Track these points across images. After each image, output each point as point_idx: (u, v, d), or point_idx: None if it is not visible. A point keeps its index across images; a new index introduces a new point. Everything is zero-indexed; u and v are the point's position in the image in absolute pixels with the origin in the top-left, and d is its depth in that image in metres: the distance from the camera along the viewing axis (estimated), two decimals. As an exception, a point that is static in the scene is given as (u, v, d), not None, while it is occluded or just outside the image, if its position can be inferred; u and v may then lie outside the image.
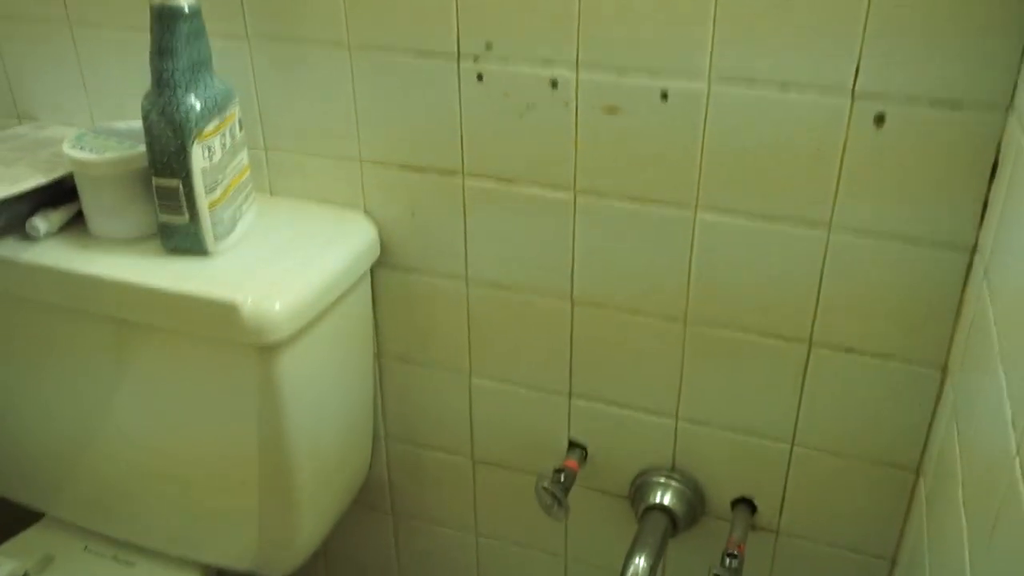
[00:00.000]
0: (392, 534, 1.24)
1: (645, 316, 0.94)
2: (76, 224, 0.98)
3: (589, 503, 1.08)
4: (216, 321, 0.87)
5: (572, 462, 1.03)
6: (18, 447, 1.09)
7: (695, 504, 1.01)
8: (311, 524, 1.02)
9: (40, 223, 0.96)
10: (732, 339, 0.92)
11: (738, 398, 0.94)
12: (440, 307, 1.04)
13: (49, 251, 0.95)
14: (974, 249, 0.79)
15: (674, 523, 1.00)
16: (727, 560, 0.92)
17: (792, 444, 0.95)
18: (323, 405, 0.98)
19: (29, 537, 1.12)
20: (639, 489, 1.03)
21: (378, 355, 1.09)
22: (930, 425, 0.88)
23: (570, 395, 1.02)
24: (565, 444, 1.06)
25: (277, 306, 0.86)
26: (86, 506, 1.09)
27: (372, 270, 1.03)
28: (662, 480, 1.02)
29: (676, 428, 0.99)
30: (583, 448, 1.05)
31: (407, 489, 1.19)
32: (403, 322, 1.06)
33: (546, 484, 0.99)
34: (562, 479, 1.00)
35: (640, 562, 0.93)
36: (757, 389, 0.93)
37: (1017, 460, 0.52)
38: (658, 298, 0.93)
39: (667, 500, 1.01)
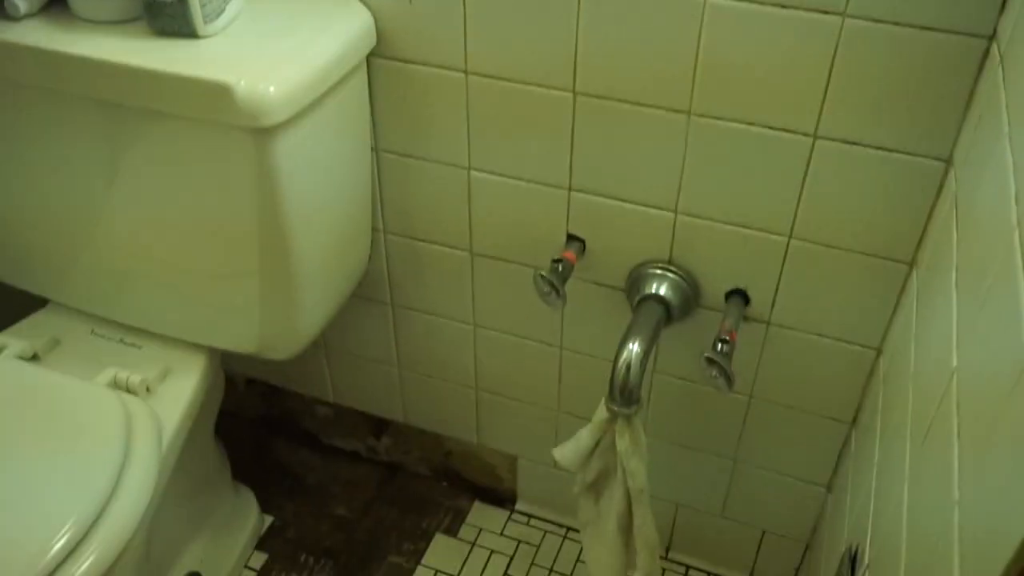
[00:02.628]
0: (391, 325, 1.27)
1: (649, 107, 0.92)
2: (58, 5, 0.94)
3: (586, 295, 1.10)
4: (209, 103, 0.85)
5: (570, 254, 1.04)
6: (19, 234, 1.09)
7: (690, 295, 1.03)
8: (311, 311, 1.04)
9: (19, 0, 0.91)
10: (736, 131, 0.90)
11: (739, 192, 0.94)
12: (438, 99, 1.01)
13: (31, 31, 0.91)
14: (992, 37, 0.77)
15: (668, 313, 1.03)
16: (719, 345, 0.95)
17: (790, 237, 0.96)
18: (320, 194, 0.98)
19: (35, 321, 1.14)
20: (635, 281, 1.05)
21: (376, 148, 1.08)
22: (929, 216, 0.88)
23: (570, 188, 1.02)
24: (563, 238, 1.06)
25: (272, 88, 0.84)
26: (89, 292, 1.11)
27: (369, 61, 1.00)
28: (658, 272, 1.04)
29: (675, 221, 0.99)
30: (581, 241, 1.06)
31: (406, 282, 1.21)
32: (401, 115, 1.04)
33: (544, 273, 1.01)
34: (560, 269, 1.02)
35: (634, 347, 0.96)
36: (758, 182, 0.93)
37: (1017, 232, 0.52)
38: (663, 88, 0.90)
39: (663, 291, 1.03)
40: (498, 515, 1.42)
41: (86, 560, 0.84)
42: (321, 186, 0.98)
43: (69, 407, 0.98)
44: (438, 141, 1.04)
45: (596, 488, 1.08)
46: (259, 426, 1.55)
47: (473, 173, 1.05)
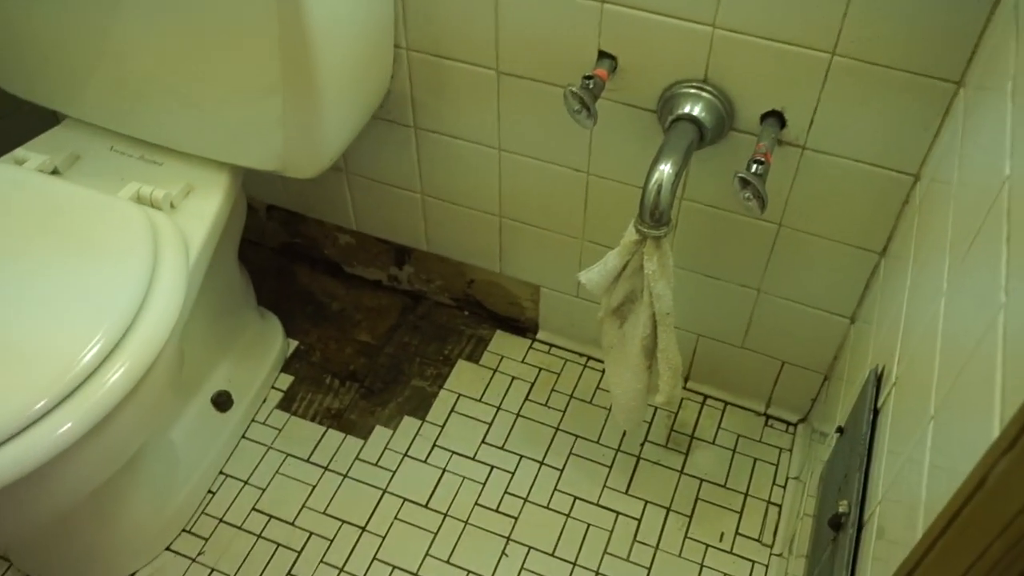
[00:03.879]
0: (414, 149, 1.24)
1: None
2: None
3: (615, 117, 1.06)
4: None
5: (601, 71, 1.00)
6: (33, 45, 1.05)
7: (724, 117, 1.00)
8: (335, 127, 1.01)
9: None
10: (785, -67, 0.84)
11: (781, 4, 0.89)
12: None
13: None
14: None
15: (701, 134, 1.00)
16: (754, 166, 0.93)
17: (833, 54, 0.91)
18: (343, 2, 0.93)
19: (53, 137, 1.12)
20: (668, 101, 1.02)
21: (398, -47, 1.02)
22: (983, 30, 0.83)
23: (602, 0, 0.97)
24: (594, 55, 1.02)
25: None
26: (106, 106, 1.08)
27: None
28: (692, 91, 1.00)
29: (712, 36, 0.95)
30: (613, 58, 1.01)
31: (429, 102, 1.17)
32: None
33: (575, 89, 0.97)
34: (591, 86, 0.98)
35: (666, 168, 0.93)
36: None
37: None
38: None
39: (696, 111, 0.99)
40: (520, 343, 1.44)
41: (119, 369, 0.86)
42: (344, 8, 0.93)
43: (94, 220, 0.97)
44: (465, -52, 0.99)
45: (621, 312, 1.08)
46: (281, 254, 1.55)
47: (502, -16, 1.00)
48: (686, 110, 1.00)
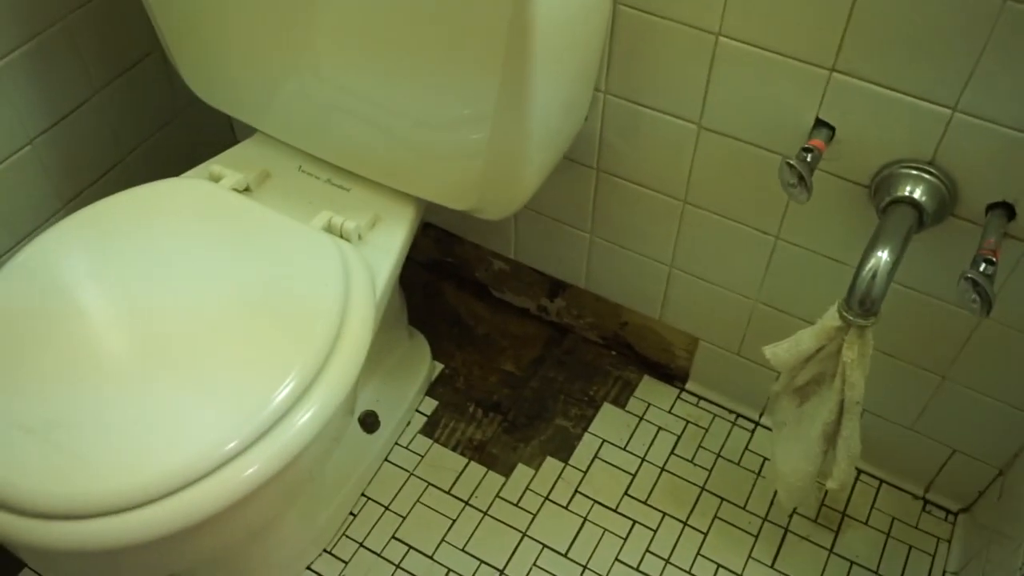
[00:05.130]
0: (592, 190, 1.21)
1: (952, -15, 0.80)
2: None
3: (821, 185, 1.01)
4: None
5: (819, 142, 0.95)
6: (235, 58, 1.05)
7: (946, 203, 0.94)
8: (536, 168, 0.98)
9: None
10: (1058, 24, 0.78)
11: (1040, 94, 0.82)
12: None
13: None
14: None
15: (920, 219, 0.94)
16: (983, 265, 0.86)
17: (1088, 153, 0.84)
18: (567, 38, 0.90)
19: (244, 152, 1.13)
20: (885, 179, 0.96)
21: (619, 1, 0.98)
22: None
23: (832, 69, 0.91)
24: (809, 124, 0.97)
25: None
26: (300, 124, 1.07)
27: None
28: (914, 172, 0.94)
29: (951, 119, 0.88)
30: (831, 128, 0.96)
31: (617, 147, 1.13)
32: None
33: (792, 161, 0.92)
34: (808, 159, 0.93)
35: (884, 255, 0.88)
36: (1068, 86, 0.81)
37: None
38: (980, -36, 0.78)
39: (918, 194, 0.93)
40: (667, 392, 1.40)
41: (308, 411, 0.85)
42: (569, 29, 0.89)
43: (288, 248, 0.97)
44: (688, 2, 0.94)
45: (803, 392, 1.03)
46: (429, 269, 1.54)
47: (722, 40, 0.95)
48: (907, 192, 0.94)
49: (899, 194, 0.94)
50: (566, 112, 1.00)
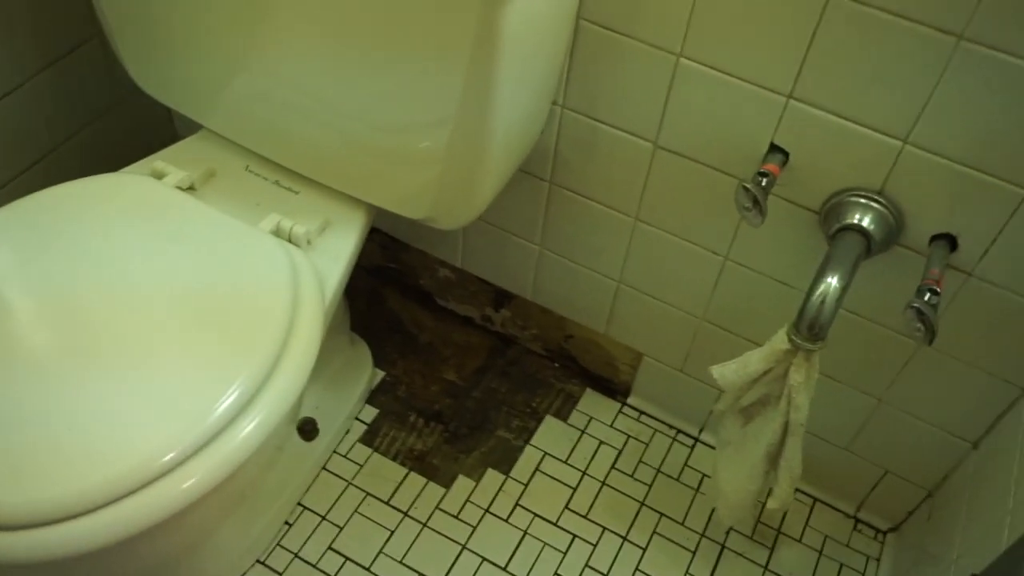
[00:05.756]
0: (543, 203, 1.20)
1: (913, 22, 0.81)
2: None
3: (772, 209, 1.02)
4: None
5: (774, 167, 0.96)
6: (180, 49, 1.01)
7: (893, 232, 0.96)
8: (493, 178, 0.96)
9: None
10: (1010, 64, 0.80)
11: (994, 130, 0.84)
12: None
13: None
14: None
15: (868, 248, 0.95)
16: (927, 295, 0.88)
17: (1030, 190, 0.87)
18: (526, 64, 0.89)
19: (189, 148, 1.09)
20: (835, 207, 0.97)
21: (579, 14, 0.98)
22: None
23: (790, 96, 0.92)
24: (764, 148, 0.98)
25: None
26: (249, 124, 1.04)
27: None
28: (862, 201, 0.96)
29: (901, 151, 0.90)
30: (785, 154, 0.97)
31: (572, 161, 1.13)
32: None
33: (748, 185, 0.93)
34: (763, 183, 0.94)
35: (833, 281, 0.89)
36: (1015, 128, 0.83)
37: None
38: None
39: (866, 222, 0.95)
40: (609, 406, 1.40)
41: (251, 422, 0.82)
42: (528, 57, 0.89)
43: (235, 252, 0.94)
44: (653, 18, 0.94)
45: (748, 412, 1.04)
46: (372, 274, 1.52)
47: (683, 61, 0.96)
48: (855, 220, 0.95)
49: (848, 221, 0.96)
50: (526, 123, 1.00)
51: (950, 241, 0.95)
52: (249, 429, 0.82)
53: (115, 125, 1.33)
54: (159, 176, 1.02)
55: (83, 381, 0.82)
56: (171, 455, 0.78)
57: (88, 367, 0.83)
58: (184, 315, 0.87)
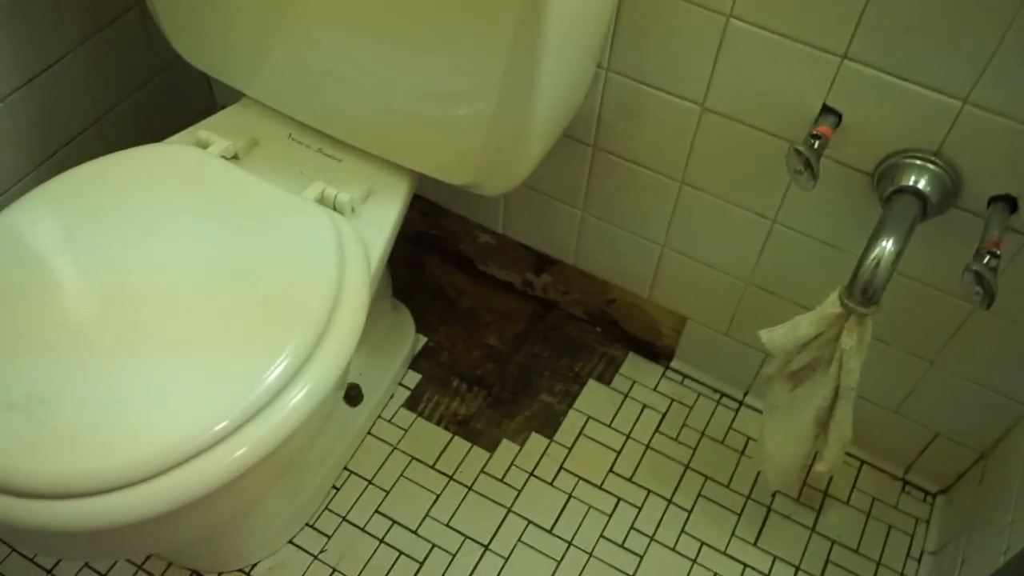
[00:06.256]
0: (587, 167, 1.19)
1: (972, -26, 0.79)
2: None
3: (823, 171, 1.00)
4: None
5: (826, 128, 0.94)
6: (222, 17, 1.01)
7: (950, 194, 0.93)
8: (538, 142, 0.94)
9: None
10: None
11: (1054, 89, 0.82)
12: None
13: None
14: None
15: (924, 210, 0.93)
16: (987, 258, 0.86)
17: (1096, 149, 0.84)
18: (572, 28, 0.87)
19: (231, 117, 1.08)
20: (889, 168, 0.95)
21: (624, -27, 0.96)
22: None
23: (844, 56, 0.90)
24: (815, 110, 0.95)
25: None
26: (292, 91, 1.03)
27: None
28: (918, 162, 0.93)
29: (960, 112, 0.87)
30: (838, 115, 0.94)
31: (616, 125, 1.11)
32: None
33: (800, 148, 0.91)
34: (815, 145, 0.92)
35: (888, 244, 0.87)
36: (1082, 82, 0.80)
37: None
38: (1003, -45, 0.76)
39: (922, 184, 0.93)
40: (652, 369, 1.40)
41: (301, 391, 0.82)
42: (579, 7, 0.87)
43: (281, 221, 0.94)
44: (697, -23, 0.92)
45: (797, 376, 1.03)
46: (412, 241, 1.51)
47: (733, 22, 0.93)
48: (911, 182, 0.93)
49: (903, 184, 0.93)
50: (571, 87, 0.98)
51: (1010, 203, 0.92)
52: (299, 398, 0.82)
53: (155, 96, 1.33)
54: (203, 146, 1.02)
55: (133, 355, 0.82)
56: (222, 424, 0.78)
57: (138, 340, 0.83)
58: (232, 286, 0.88)
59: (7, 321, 0.84)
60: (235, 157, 1.03)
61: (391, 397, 1.33)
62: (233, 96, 1.11)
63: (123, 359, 0.82)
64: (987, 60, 0.83)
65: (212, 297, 0.87)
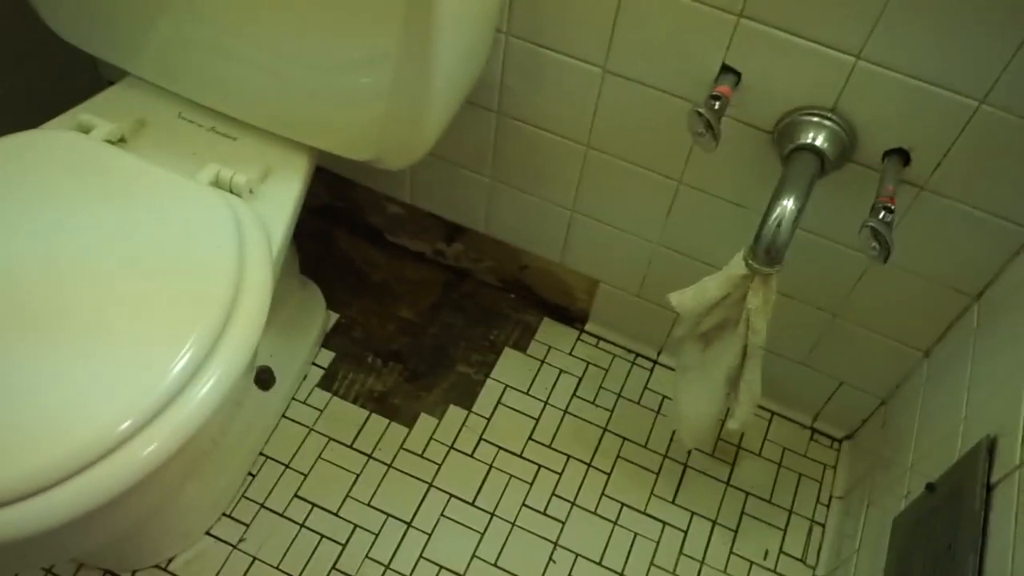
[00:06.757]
0: (492, 134, 1.17)
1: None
2: None
3: (725, 131, 1.00)
4: None
5: (726, 88, 0.94)
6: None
7: (847, 150, 0.95)
8: (440, 112, 0.93)
9: None
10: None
11: (943, 44, 0.83)
12: None
13: None
14: None
15: (822, 167, 0.95)
16: (882, 213, 0.88)
17: (982, 102, 0.86)
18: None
19: (114, 97, 1.03)
20: (788, 126, 0.96)
21: (518, -64, 0.94)
22: None
23: (740, 14, 0.90)
24: (715, 70, 0.95)
25: None
26: (178, 67, 0.99)
27: None
28: (815, 119, 0.94)
29: (854, 67, 0.89)
30: (737, 74, 0.95)
31: (518, 89, 1.10)
32: None
33: (701, 110, 0.91)
34: (716, 106, 0.92)
35: (788, 203, 0.88)
36: (970, 35, 0.82)
37: None
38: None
39: (819, 141, 0.94)
40: (567, 334, 1.40)
41: (208, 381, 0.80)
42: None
43: (175, 208, 0.90)
44: (592, -61, 0.91)
45: (706, 337, 1.04)
46: (319, 215, 1.48)
47: (629, -17, 0.93)
48: (809, 139, 0.94)
49: (802, 141, 0.95)
50: (470, 53, 0.96)
51: (903, 156, 0.95)
52: (206, 389, 0.79)
53: (35, 76, 1.25)
54: (86, 130, 0.97)
55: (30, 355, 0.78)
56: (128, 423, 0.75)
57: (34, 340, 0.79)
58: (128, 277, 0.84)
59: None
60: (122, 140, 0.98)
61: (304, 377, 1.30)
62: (120, 74, 1.05)
63: (19, 363, 0.78)
64: (877, 15, 0.84)
65: (108, 291, 0.83)
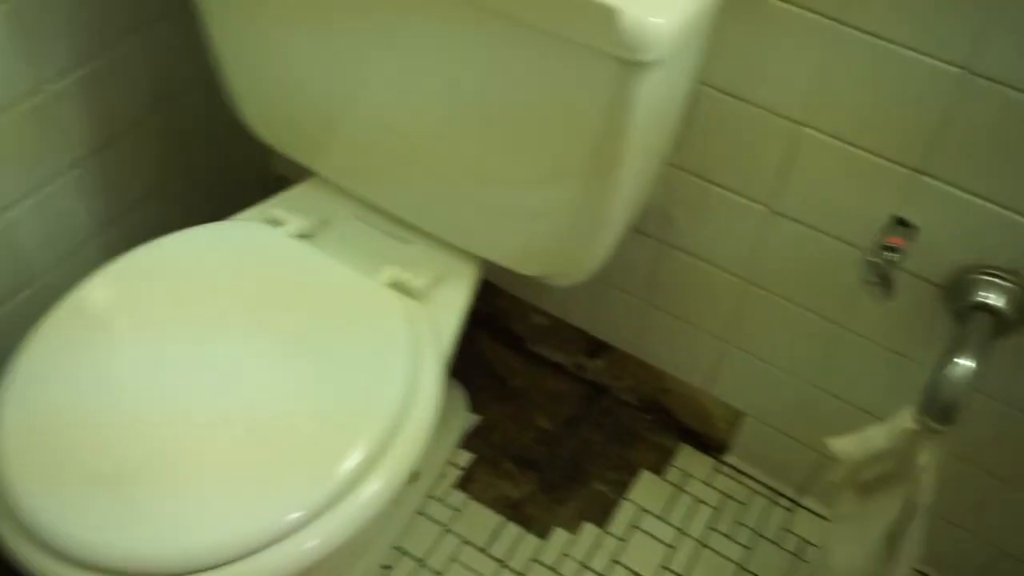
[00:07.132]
0: (651, 260, 1.19)
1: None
2: None
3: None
4: (584, 22, 0.75)
5: (899, 240, 0.93)
6: (294, 96, 1.01)
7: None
8: (609, 241, 0.96)
9: None
10: None
11: None
12: (790, 37, 0.89)
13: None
14: None
15: (998, 328, 0.92)
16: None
17: None
18: (656, 126, 0.89)
19: (302, 195, 1.09)
20: (965, 283, 0.94)
21: (702, 80, 0.97)
22: None
23: (918, 170, 0.90)
24: (883, 219, 0.95)
25: (660, 22, 0.74)
26: (360, 172, 1.04)
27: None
28: (996, 280, 0.93)
29: (1042, 229, 0.87)
30: (911, 227, 0.94)
31: (682, 221, 1.12)
32: (740, 49, 0.93)
33: (874, 259, 0.90)
34: (890, 257, 0.92)
35: (966, 363, 0.86)
36: None
37: None
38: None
39: (999, 301, 0.92)
40: (705, 462, 1.38)
41: (375, 484, 0.82)
42: (658, 119, 0.88)
43: (353, 306, 0.95)
44: (773, 84, 0.93)
45: (867, 487, 1.01)
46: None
47: (805, 131, 0.94)
48: (988, 299, 0.92)
49: (978, 299, 0.93)
50: (644, 185, 0.99)
51: (1089, 322, 0.91)
52: (372, 491, 0.82)
53: (214, 163, 1.35)
54: (276, 224, 1.03)
55: (211, 447, 0.83)
56: (297, 515, 0.78)
57: (215, 433, 0.84)
58: (310, 376, 0.88)
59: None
60: (307, 236, 1.04)
61: (443, 476, 1.32)
62: (292, 167, 1.12)
63: (200, 452, 0.83)
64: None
65: (290, 388, 0.87)
